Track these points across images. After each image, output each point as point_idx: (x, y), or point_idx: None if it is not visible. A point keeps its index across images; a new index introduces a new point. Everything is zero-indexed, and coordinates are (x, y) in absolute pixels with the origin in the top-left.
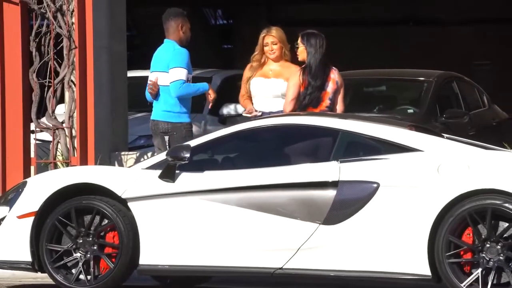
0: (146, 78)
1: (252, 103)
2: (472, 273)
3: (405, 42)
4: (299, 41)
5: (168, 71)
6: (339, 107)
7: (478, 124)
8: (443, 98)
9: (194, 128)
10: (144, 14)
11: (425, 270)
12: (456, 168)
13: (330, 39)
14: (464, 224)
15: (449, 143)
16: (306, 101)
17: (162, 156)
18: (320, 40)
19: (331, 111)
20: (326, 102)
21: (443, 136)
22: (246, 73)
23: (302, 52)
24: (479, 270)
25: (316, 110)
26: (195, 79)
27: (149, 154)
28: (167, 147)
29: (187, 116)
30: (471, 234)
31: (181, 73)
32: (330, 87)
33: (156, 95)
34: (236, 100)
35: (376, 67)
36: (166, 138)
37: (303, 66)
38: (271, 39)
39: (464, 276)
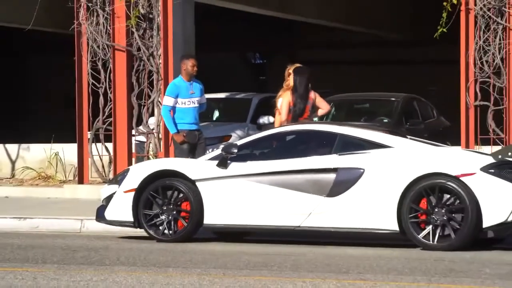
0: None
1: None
2: (425, 229)
3: (389, 77)
4: (290, 72)
5: None
6: (325, 107)
7: (430, 130)
8: (407, 112)
9: (240, 133)
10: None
11: (395, 226)
12: (416, 158)
13: (336, 74)
14: (421, 196)
15: (411, 142)
16: (297, 112)
17: (218, 151)
18: (304, 72)
19: (311, 118)
20: (308, 113)
21: (407, 137)
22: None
23: (291, 80)
24: (430, 226)
25: (302, 118)
26: (239, 100)
27: (210, 150)
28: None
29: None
30: (425, 203)
31: (166, 100)
32: (309, 103)
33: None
34: (268, 113)
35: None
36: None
37: (291, 89)
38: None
39: (420, 231)
